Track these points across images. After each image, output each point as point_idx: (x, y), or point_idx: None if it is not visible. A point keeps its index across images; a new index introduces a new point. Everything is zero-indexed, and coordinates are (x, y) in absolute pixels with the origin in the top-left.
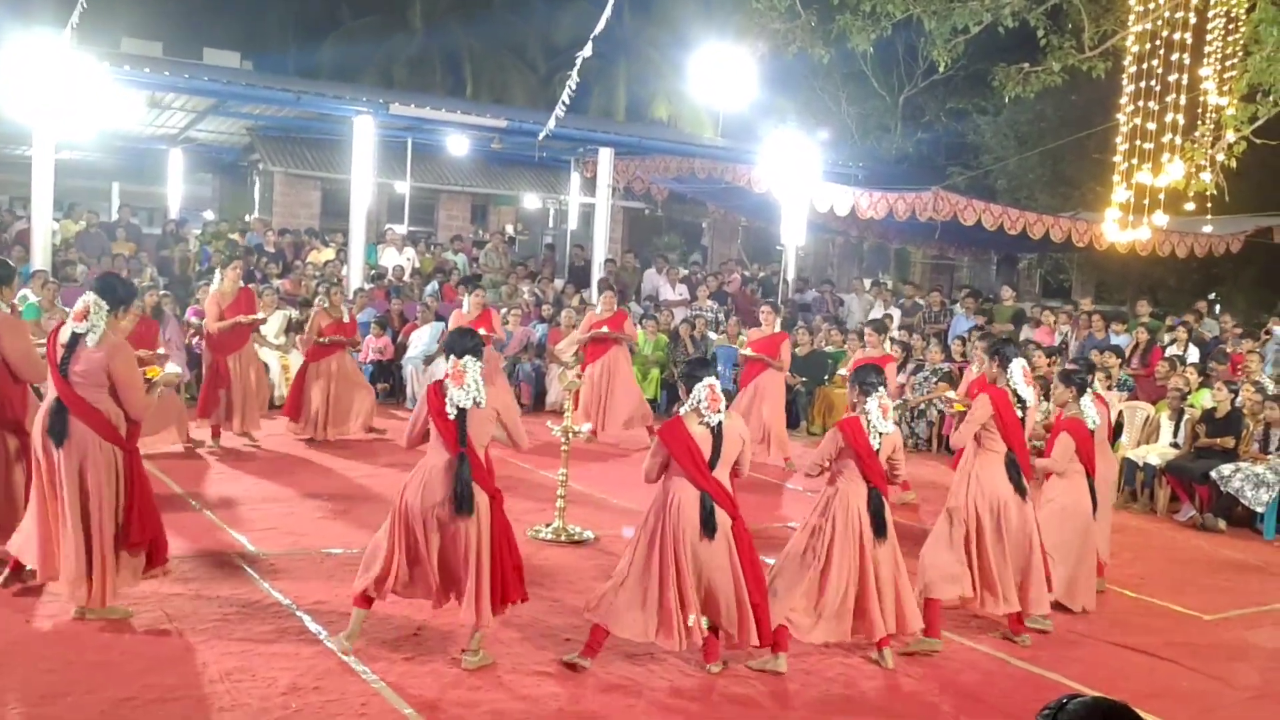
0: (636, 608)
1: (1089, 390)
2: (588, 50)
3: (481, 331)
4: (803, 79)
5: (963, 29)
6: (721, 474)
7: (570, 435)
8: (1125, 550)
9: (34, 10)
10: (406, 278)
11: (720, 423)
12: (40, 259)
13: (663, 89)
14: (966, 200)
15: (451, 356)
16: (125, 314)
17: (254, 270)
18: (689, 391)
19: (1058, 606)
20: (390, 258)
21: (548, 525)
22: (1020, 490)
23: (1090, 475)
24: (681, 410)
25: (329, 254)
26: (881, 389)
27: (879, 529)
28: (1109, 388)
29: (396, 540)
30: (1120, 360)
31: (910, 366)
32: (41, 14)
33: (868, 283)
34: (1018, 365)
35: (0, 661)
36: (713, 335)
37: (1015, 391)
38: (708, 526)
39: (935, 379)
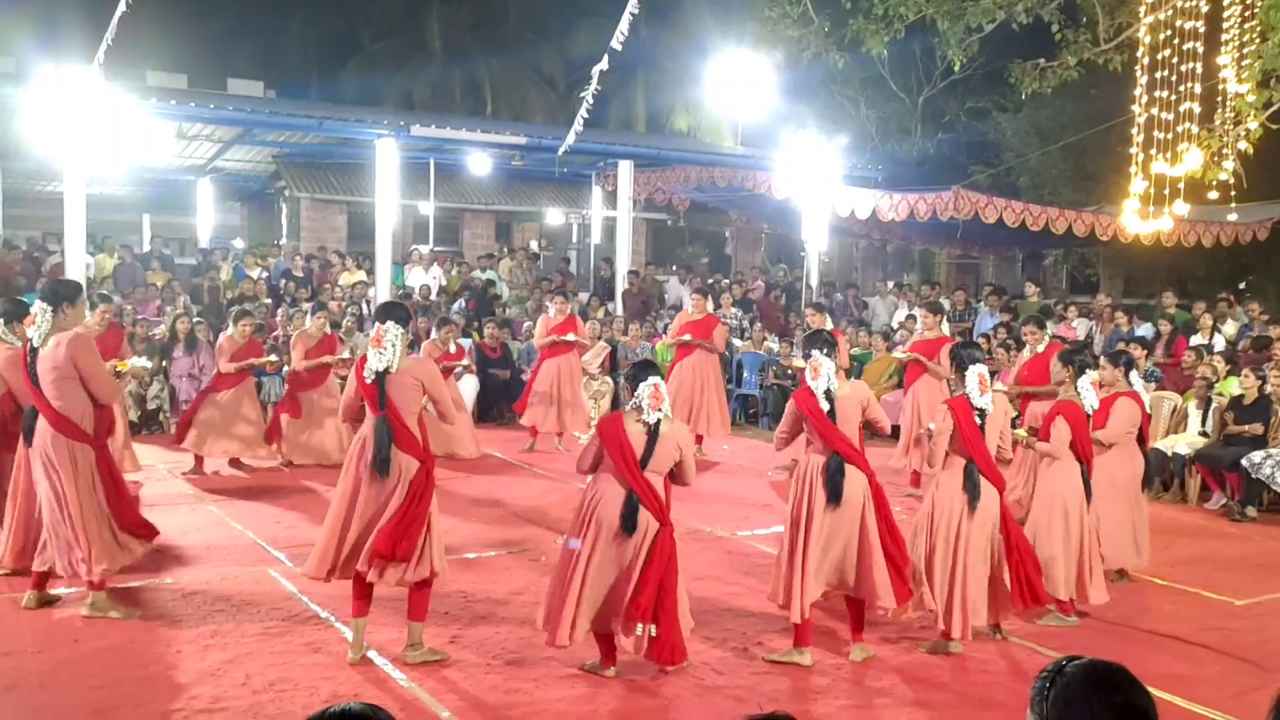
0: (546, 605)
1: (1088, 373)
2: (604, 64)
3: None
4: (821, 84)
5: (976, 28)
6: (653, 476)
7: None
8: (1156, 539)
9: (61, 46)
10: (433, 296)
11: (659, 421)
12: None
13: (682, 99)
14: (987, 198)
15: (377, 323)
16: (73, 308)
17: (282, 295)
18: (634, 391)
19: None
20: (416, 277)
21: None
22: (973, 504)
23: (1084, 463)
24: (625, 407)
25: (360, 275)
26: (816, 353)
27: (833, 494)
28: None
29: (335, 518)
30: (1146, 351)
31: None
32: (69, 49)
33: (891, 285)
34: (973, 373)
35: (51, 680)
36: (738, 342)
37: (970, 400)
38: (627, 524)
39: None
